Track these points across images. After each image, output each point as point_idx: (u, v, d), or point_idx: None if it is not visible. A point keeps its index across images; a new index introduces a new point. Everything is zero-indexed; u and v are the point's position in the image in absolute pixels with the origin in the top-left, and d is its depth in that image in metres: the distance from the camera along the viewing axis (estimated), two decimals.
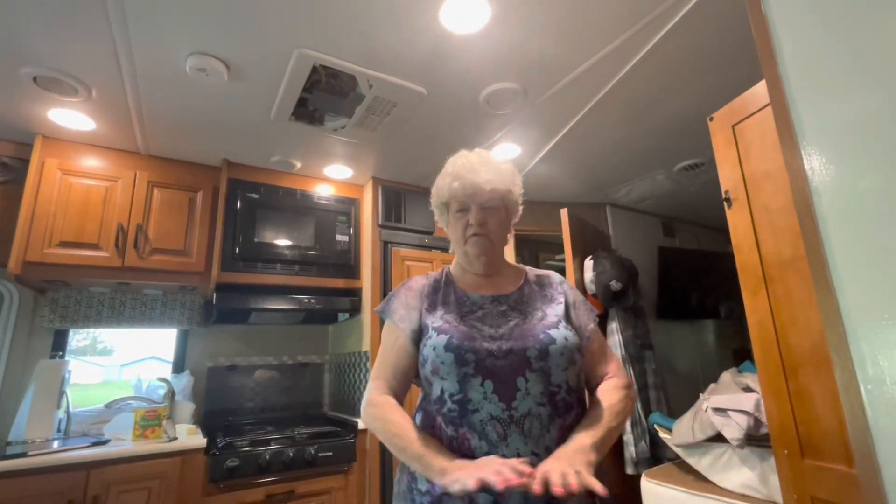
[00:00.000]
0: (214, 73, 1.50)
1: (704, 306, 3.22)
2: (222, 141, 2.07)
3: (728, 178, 1.40)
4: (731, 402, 1.65)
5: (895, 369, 0.53)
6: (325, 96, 1.70)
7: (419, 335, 0.93)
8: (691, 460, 1.81)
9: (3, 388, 2.00)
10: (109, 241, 1.99)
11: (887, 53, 0.57)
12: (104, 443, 1.83)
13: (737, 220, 1.37)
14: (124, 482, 1.69)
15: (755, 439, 1.58)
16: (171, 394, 2.20)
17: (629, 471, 2.16)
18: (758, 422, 1.55)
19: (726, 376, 1.90)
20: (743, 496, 1.60)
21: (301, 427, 2.21)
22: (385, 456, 2.19)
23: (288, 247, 2.29)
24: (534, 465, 0.74)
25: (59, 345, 2.19)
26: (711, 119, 1.44)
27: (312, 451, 2.01)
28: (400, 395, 0.94)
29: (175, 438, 1.90)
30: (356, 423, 2.18)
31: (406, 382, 0.95)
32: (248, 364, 2.58)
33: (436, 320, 0.91)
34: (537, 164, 2.37)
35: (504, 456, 0.77)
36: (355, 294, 2.46)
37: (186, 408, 2.23)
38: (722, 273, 3.35)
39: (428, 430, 0.87)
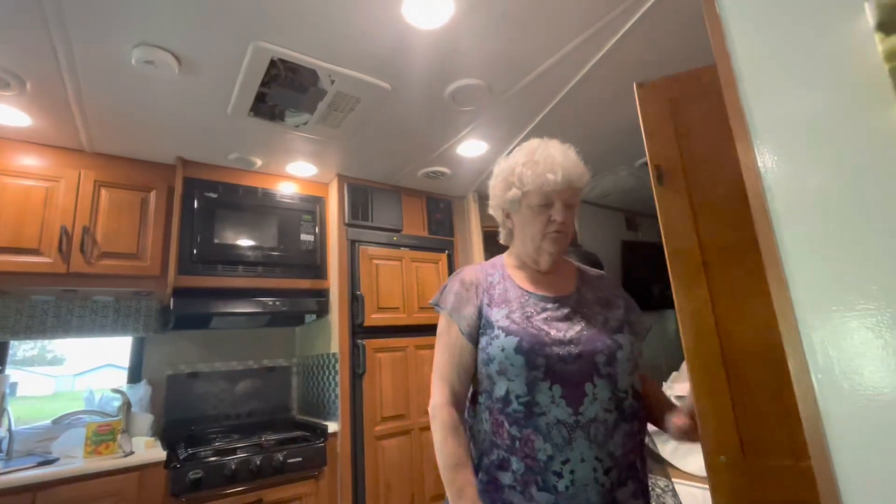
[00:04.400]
0: (164, 65, 1.42)
1: (666, 297, 3.33)
2: (176, 138, 1.96)
3: (660, 153, 1.23)
4: (691, 388, 1.71)
5: (844, 359, 0.55)
6: (284, 91, 1.64)
7: (477, 331, 0.91)
8: (657, 447, 1.87)
9: None
10: (52, 245, 1.85)
11: (836, 54, 0.59)
12: (52, 462, 1.71)
13: (670, 201, 1.18)
14: (76, 503, 1.59)
15: None
16: (127, 405, 2.09)
17: None
18: None
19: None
20: (704, 479, 1.67)
21: (269, 433, 2.14)
22: (357, 459, 2.16)
23: (250, 247, 2.21)
24: (598, 471, 0.77)
25: None
26: (642, 86, 1.29)
27: (281, 458, 1.95)
28: (462, 397, 0.92)
29: (132, 453, 1.80)
30: (326, 426, 2.14)
31: (468, 381, 0.94)
32: (211, 370, 2.48)
33: (500, 318, 0.89)
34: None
35: (567, 460, 0.78)
36: (322, 295, 2.41)
37: (144, 419, 2.12)
38: None
39: (493, 429, 0.86)
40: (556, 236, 0.91)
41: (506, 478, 0.82)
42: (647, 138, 1.25)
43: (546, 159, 0.91)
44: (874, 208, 0.54)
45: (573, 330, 0.86)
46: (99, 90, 1.58)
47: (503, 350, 0.84)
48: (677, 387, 1.79)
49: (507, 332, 0.86)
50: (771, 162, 0.67)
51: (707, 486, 1.60)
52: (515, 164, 0.94)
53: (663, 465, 1.81)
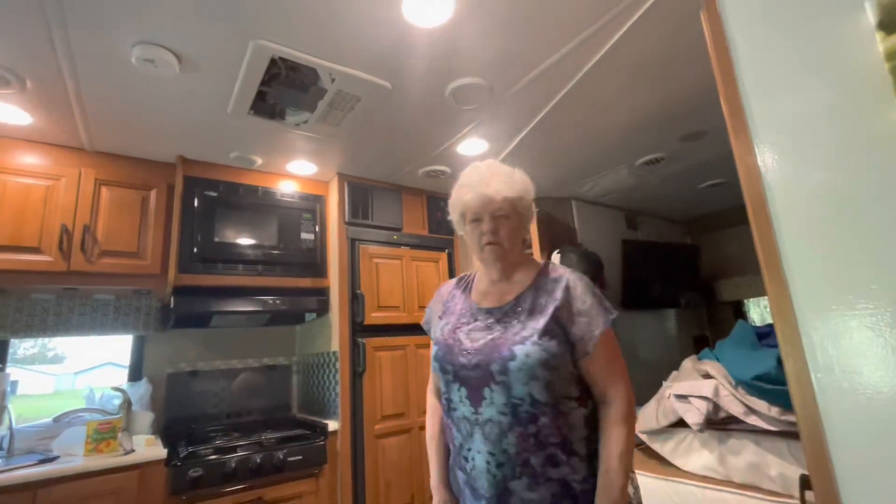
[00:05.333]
0: (164, 64, 1.41)
1: (666, 296, 3.34)
2: (176, 136, 1.96)
3: None
4: (691, 388, 1.71)
5: (843, 358, 0.55)
6: (285, 90, 1.64)
7: None
8: (655, 445, 1.87)
9: None
10: (52, 243, 1.85)
11: (837, 53, 0.59)
12: (52, 459, 1.71)
13: None
14: (77, 500, 1.59)
15: (714, 423, 1.66)
16: (128, 404, 2.09)
17: None
18: (716, 406, 1.63)
19: (687, 364, 1.98)
20: (703, 478, 1.67)
21: (269, 431, 2.14)
22: (357, 456, 2.16)
23: (250, 246, 2.21)
24: (490, 464, 0.90)
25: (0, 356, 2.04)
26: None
27: (281, 456, 1.96)
28: (440, 389, 1.09)
29: (132, 451, 1.80)
30: (326, 425, 2.14)
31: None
32: (212, 368, 2.48)
33: (437, 330, 1.09)
34: (504, 159, 2.37)
35: (470, 449, 0.94)
36: (322, 293, 2.41)
37: (144, 417, 2.12)
38: (681, 264, 3.49)
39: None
40: (489, 248, 1.00)
41: (451, 456, 1.04)
42: None
43: (469, 180, 1.04)
44: (874, 208, 0.54)
45: (483, 340, 0.97)
46: (99, 88, 1.58)
47: (433, 356, 1.05)
48: (677, 386, 1.79)
49: (435, 343, 1.05)
50: (771, 161, 0.67)
51: (707, 486, 1.61)
52: (455, 188, 1.08)
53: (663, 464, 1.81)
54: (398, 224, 2.57)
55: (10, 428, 1.87)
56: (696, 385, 1.71)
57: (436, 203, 2.76)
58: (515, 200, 1.00)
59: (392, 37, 1.41)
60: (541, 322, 0.94)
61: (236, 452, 1.90)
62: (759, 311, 3.68)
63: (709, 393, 1.62)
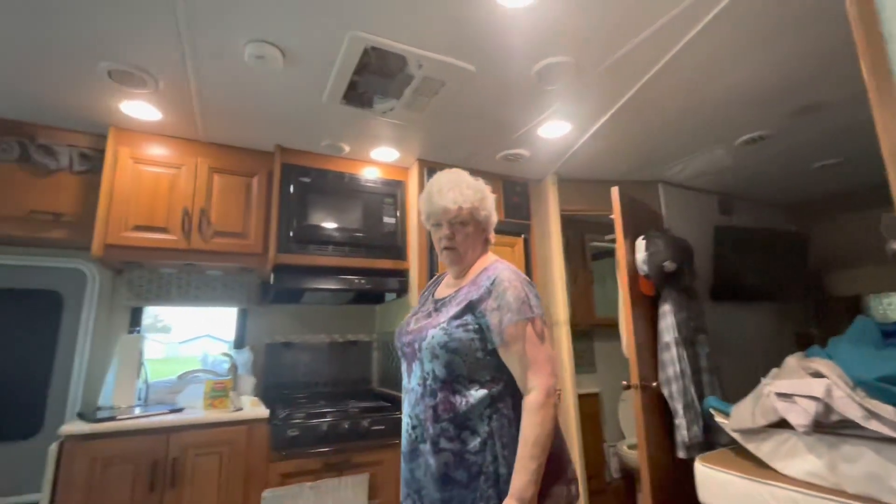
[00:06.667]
0: (271, 59, 1.54)
1: (762, 288, 3.05)
2: (276, 127, 2.13)
3: None
4: (797, 387, 1.57)
5: None
6: (374, 78, 1.72)
7: None
8: (750, 446, 1.75)
9: (91, 360, 2.21)
10: (176, 224, 2.12)
11: None
12: (179, 410, 1.99)
13: None
14: (198, 446, 1.84)
15: (823, 426, 1.51)
16: (234, 368, 2.36)
17: (680, 454, 2.12)
18: (828, 408, 1.48)
19: (791, 361, 1.81)
20: (808, 484, 1.54)
21: (353, 401, 2.31)
22: None
23: (338, 229, 2.36)
24: (409, 425, 1.09)
25: (135, 321, 2.39)
26: None
27: (366, 424, 2.10)
28: None
29: (240, 409, 2.03)
30: None
31: None
32: (302, 341, 2.71)
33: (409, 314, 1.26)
34: (586, 141, 2.30)
35: (403, 413, 1.14)
36: (402, 275, 2.51)
37: (248, 381, 2.38)
38: (784, 253, 3.16)
39: None
40: (445, 252, 1.16)
41: None
42: None
43: (431, 190, 1.17)
44: None
45: (420, 324, 1.13)
46: (216, 85, 1.77)
47: None
48: (779, 384, 1.65)
49: (399, 325, 1.23)
50: None
51: (813, 494, 1.48)
52: (422, 195, 1.22)
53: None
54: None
55: (146, 382, 2.20)
56: (804, 384, 1.56)
57: (512, 187, 2.74)
58: (471, 210, 1.14)
59: (479, 18, 1.42)
60: (455, 310, 1.07)
61: (326, 418, 2.07)
62: (881, 308, 3.23)
63: (819, 393, 1.47)
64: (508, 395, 1.05)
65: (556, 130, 2.17)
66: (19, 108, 1.91)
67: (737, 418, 1.79)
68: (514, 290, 1.04)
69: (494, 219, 1.22)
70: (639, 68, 1.70)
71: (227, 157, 2.29)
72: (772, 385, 1.68)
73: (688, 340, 2.31)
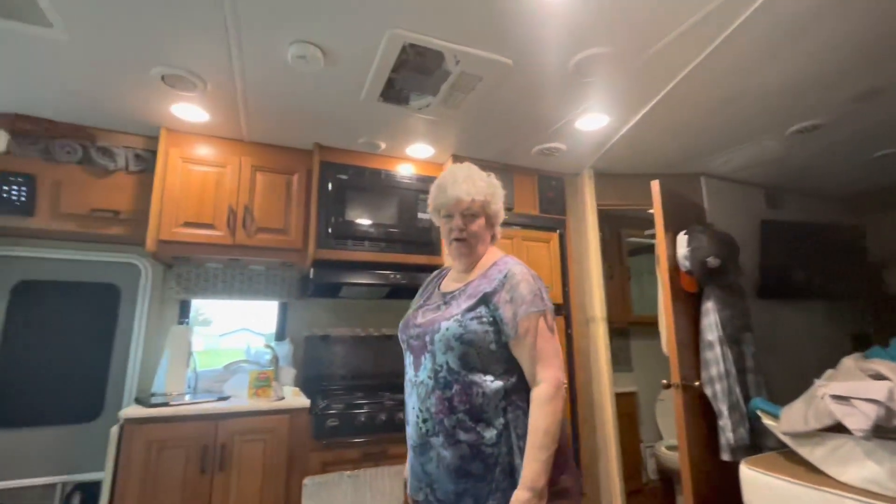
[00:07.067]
0: (313, 59, 1.59)
1: (813, 285, 2.89)
2: (315, 125, 2.19)
3: None
4: (855, 389, 1.49)
5: None
6: (411, 75, 1.73)
7: None
8: (802, 450, 1.67)
9: (145, 349, 2.35)
10: (222, 221, 2.21)
11: None
12: (226, 398, 2.08)
13: None
14: (244, 433, 1.93)
15: (886, 431, 1.42)
16: (276, 359, 2.44)
17: (725, 457, 2.05)
18: (890, 412, 1.39)
19: (849, 362, 1.72)
20: (865, 492, 1.45)
21: (388, 394, 2.35)
22: None
23: (374, 225, 2.40)
24: (419, 419, 1.07)
25: (184, 313, 2.51)
26: None
27: (401, 417, 2.14)
28: None
29: (283, 398, 2.11)
30: None
31: None
32: (338, 335, 2.78)
33: (412, 308, 1.25)
34: (624, 134, 2.24)
35: (409, 407, 1.12)
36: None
37: (288, 372, 2.47)
38: (838, 248, 2.98)
39: None
40: (456, 243, 1.16)
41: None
42: None
43: (445, 181, 1.18)
44: None
45: (429, 317, 1.13)
46: (259, 86, 1.83)
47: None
48: (834, 386, 1.56)
49: (403, 319, 1.22)
50: None
51: (871, 502, 1.40)
52: (434, 186, 1.22)
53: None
54: (509, 204, 2.58)
55: (195, 371, 2.31)
56: (863, 386, 1.48)
57: (546, 182, 2.71)
58: (483, 203, 1.16)
59: (518, 10, 1.41)
60: (469, 303, 1.08)
61: (363, 409, 2.12)
62: None
63: (881, 396, 1.39)
64: (523, 387, 1.06)
65: (593, 123, 2.13)
66: (82, 113, 2.05)
67: (787, 421, 1.71)
68: (527, 284, 1.07)
69: (502, 215, 1.23)
70: (682, 57, 1.64)
71: (269, 155, 2.37)
72: (827, 387, 1.59)
73: (732, 339, 2.22)
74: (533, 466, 0.96)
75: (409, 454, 1.13)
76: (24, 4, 1.36)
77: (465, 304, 1.08)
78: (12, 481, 2.04)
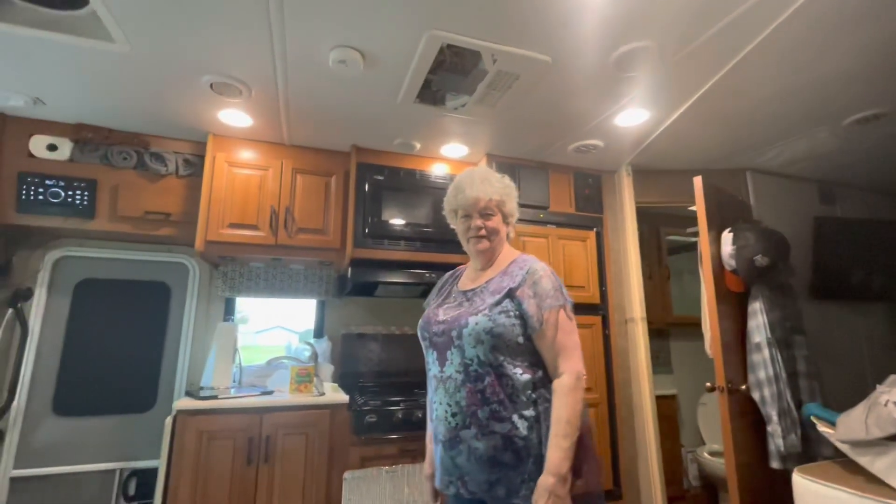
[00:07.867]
0: (352, 63, 1.62)
1: (872, 286, 2.72)
2: (353, 128, 2.24)
3: None
4: None
5: None
6: (448, 76, 1.74)
7: None
8: (862, 460, 1.58)
9: (193, 344, 2.46)
10: (265, 222, 2.29)
11: None
12: (269, 393, 2.16)
13: None
14: (287, 427, 2.00)
15: None
16: (315, 356, 2.51)
17: (774, 465, 1.96)
18: None
19: None
20: None
21: (423, 391, 2.37)
22: None
23: (409, 224, 2.43)
24: (447, 413, 1.10)
25: (229, 310, 2.62)
26: None
27: None
28: None
29: (323, 394, 2.17)
30: None
31: None
32: (374, 333, 2.83)
33: (426, 309, 1.30)
34: (664, 130, 2.17)
35: (434, 402, 1.15)
36: None
37: (327, 369, 2.53)
38: None
39: None
40: (475, 240, 1.21)
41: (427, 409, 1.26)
42: None
43: (462, 183, 1.24)
44: None
45: (452, 314, 1.17)
46: (301, 91, 1.89)
47: (417, 328, 1.26)
48: None
49: (422, 317, 1.25)
50: None
51: None
52: (451, 188, 1.28)
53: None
54: (545, 202, 2.56)
55: (240, 366, 2.41)
56: None
57: (584, 179, 2.66)
58: (499, 202, 1.22)
59: (557, 7, 1.39)
60: (495, 298, 1.12)
61: (399, 406, 2.15)
62: None
63: None
64: (549, 380, 1.11)
65: (632, 119, 2.08)
66: (137, 121, 2.17)
67: (845, 428, 1.62)
68: (549, 279, 1.14)
69: (517, 214, 1.29)
70: (728, 50, 1.58)
71: (309, 158, 2.44)
72: (890, 393, 1.50)
73: (782, 342, 2.11)
74: (556, 454, 1.01)
75: (437, 448, 1.16)
76: (89, 21, 1.45)
77: (490, 300, 1.13)
78: (76, 466, 2.20)
